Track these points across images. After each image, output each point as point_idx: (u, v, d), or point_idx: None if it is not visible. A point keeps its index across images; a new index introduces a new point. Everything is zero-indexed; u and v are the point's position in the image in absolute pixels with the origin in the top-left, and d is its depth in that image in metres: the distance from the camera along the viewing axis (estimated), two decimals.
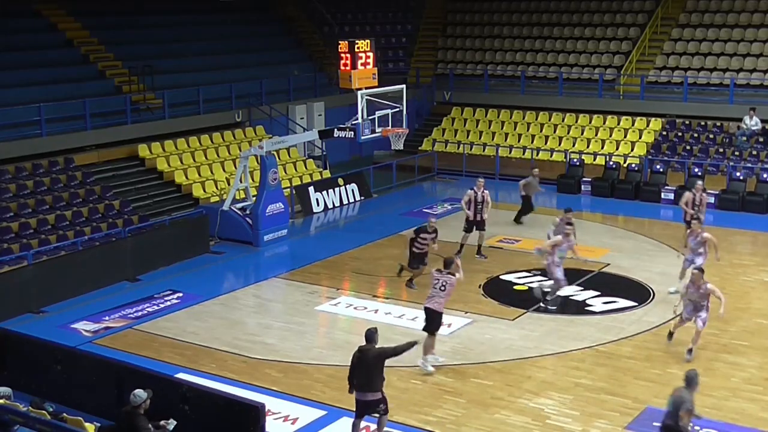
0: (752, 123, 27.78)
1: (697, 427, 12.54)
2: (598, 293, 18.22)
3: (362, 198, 27.13)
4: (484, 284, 18.82)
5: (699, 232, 17.57)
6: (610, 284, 18.82)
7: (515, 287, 18.71)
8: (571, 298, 18.05)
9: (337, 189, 26.63)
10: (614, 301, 17.73)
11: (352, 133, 21.84)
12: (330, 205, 26.17)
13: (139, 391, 10.78)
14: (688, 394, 10.71)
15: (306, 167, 28.27)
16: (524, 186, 23.85)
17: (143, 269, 19.82)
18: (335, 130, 22.36)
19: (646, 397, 13.55)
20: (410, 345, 12.04)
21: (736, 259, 20.38)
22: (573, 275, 18.49)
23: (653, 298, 17.96)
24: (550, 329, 16.43)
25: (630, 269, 19.75)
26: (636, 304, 17.57)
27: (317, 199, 25.94)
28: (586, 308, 17.53)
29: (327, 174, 27.96)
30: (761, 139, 27.76)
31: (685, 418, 10.53)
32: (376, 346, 11.73)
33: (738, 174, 26.25)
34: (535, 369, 14.68)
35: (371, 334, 11.77)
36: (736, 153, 27.65)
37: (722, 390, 13.76)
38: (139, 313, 17.45)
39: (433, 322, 14.45)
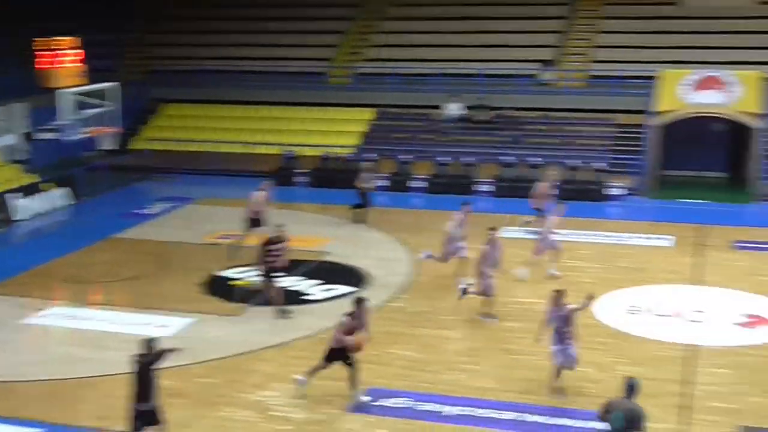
0: (454, 108, 29.57)
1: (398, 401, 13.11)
2: (320, 282, 18.57)
3: (73, 202, 25.78)
4: (203, 282, 18.59)
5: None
6: (331, 272, 19.24)
7: (230, 282, 18.60)
8: (290, 288, 18.22)
9: (43, 194, 25.12)
10: (333, 288, 18.14)
11: (58, 134, 20.78)
12: (37, 212, 24.63)
13: None
14: (635, 404, 9.80)
15: (9, 173, 26.38)
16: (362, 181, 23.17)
17: None
18: (37, 132, 21.14)
19: (367, 379, 13.93)
20: (164, 352, 11.54)
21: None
22: (295, 266, 18.66)
23: (372, 282, 18.57)
24: (272, 322, 16.50)
25: (349, 256, 20.29)
26: (355, 289, 18.05)
27: (22, 206, 24.31)
28: (304, 297, 17.77)
29: (33, 179, 26.25)
30: (462, 125, 29.61)
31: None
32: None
33: (443, 158, 27.80)
34: (259, 362, 14.67)
35: (146, 343, 11.31)
36: (442, 139, 29.29)
37: (437, 364, 14.48)
38: None
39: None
